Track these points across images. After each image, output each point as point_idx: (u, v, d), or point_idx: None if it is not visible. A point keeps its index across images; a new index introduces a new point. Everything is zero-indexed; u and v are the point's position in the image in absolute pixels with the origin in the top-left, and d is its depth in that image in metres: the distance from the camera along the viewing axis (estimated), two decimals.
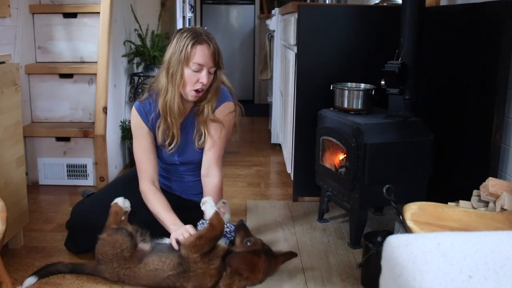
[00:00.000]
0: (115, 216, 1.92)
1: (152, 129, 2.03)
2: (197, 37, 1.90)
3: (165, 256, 1.78)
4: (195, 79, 1.91)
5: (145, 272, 1.76)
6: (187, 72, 1.90)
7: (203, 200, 1.87)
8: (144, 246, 1.84)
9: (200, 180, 2.09)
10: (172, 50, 1.92)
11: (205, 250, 1.73)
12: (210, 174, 2.04)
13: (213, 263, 1.73)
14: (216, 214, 1.79)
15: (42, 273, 1.86)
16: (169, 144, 2.03)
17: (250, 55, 6.18)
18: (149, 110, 2.02)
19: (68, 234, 2.11)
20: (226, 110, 2.04)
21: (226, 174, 3.14)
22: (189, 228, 1.83)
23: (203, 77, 1.90)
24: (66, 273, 1.87)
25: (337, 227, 2.34)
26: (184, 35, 1.91)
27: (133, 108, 2.05)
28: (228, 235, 1.85)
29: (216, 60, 1.92)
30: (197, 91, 1.93)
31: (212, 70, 1.93)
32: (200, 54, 1.89)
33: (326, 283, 1.84)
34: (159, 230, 1.93)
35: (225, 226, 1.83)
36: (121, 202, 1.96)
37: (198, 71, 1.90)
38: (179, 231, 1.83)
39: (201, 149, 2.06)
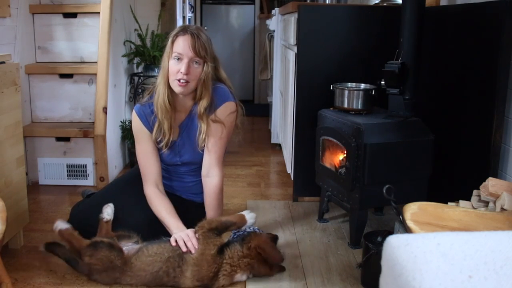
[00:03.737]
0: (76, 239, 1.88)
1: (152, 131, 2.03)
2: (182, 29, 1.95)
3: (163, 243, 1.83)
4: (177, 69, 1.92)
5: (142, 262, 1.77)
6: (170, 63, 1.93)
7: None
8: (136, 246, 1.84)
9: (200, 180, 2.09)
10: (165, 48, 1.98)
11: (213, 226, 1.85)
12: (210, 174, 2.03)
13: (210, 248, 1.78)
14: (242, 216, 1.93)
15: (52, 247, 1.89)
16: (161, 142, 2.03)
17: (250, 55, 6.18)
18: (150, 113, 2.03)
19: None
20: (227, 110, 2.03)
21: (226, 174, 3.13)
22: (189, 232, 1.85)
23: (183, 66, 1.91)
24: (62, 259, 1.87)
25: (337, 227, 2.34)
26: (174, 30, 1.98)
27: (133, 112, 2.06)
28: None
29: (198, 50, 1.92)
30: (180, 81, 1.93)
31: (197, 60, 1.93)
32: (180, 43, 1.92)
33: (326, 283, 1.84)
34: (152, 232, 1.93)
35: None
36: (62, 225, 1.93)
37: (179, 60, 1.92)
38: (180, 234, 1.85)
39: (203, 150, 2.06)
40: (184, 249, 1.79)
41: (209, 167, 2.04)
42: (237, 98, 2.11)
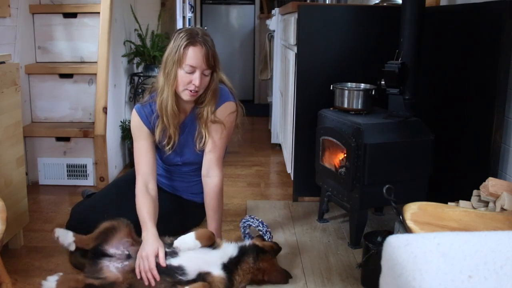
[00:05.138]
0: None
1: (153, 130, 2.03)
2: (192, 38, 1.89)
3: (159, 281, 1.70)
4: (188, 80, 1.90)
5: None
6: (181, 73, 1.90)
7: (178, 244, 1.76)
8: (129, 265, 1.77)
9: (201, 180, 2.09)
10: (169, 50, 1.93)
11: None
12: (210, 174, 2.03)
13: None
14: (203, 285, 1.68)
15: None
16: (167, 144, 2.03)
17: (250, 55, 6.18)
18: (150, 112, 2.02)
19: None
20: (227, 111, 2.03)
21: (226, 174, 3.13)
22: (150, 257, 1.73)
23: (196, 79, 1.89)
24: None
25: (337, 227, 2.34)
26: (181, 35, 1.92)
27: (134, 110, 2.05)
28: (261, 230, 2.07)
29: (210, 62, 1.91)
30: (190, 91, 1.93)
31: (207, 72, 1.92)
32: (193, 55, 1.88)
33: (326, 283, 1.84)
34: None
35: (259, 225, 2.07)
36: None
37: (191, 72, 1.90)
38: (140, 257, 1.75)
39: (202, 150, 2.06)
40: (141, 278, 1.70)
41: (209, 167, 2.04)
42: (237, 98, 2.11)
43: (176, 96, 1.97)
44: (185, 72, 1.90)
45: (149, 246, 1.77)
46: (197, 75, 1.89)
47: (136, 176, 2.03)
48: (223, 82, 2.07)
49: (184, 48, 1.88)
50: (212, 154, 2.03)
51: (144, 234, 1.84)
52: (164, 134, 2.01)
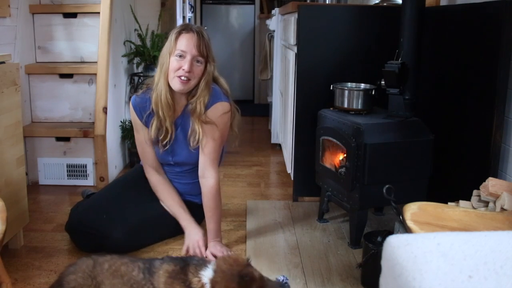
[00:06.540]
0: None
1: (146, 126, 2.05)
2: (186, 28, 1.94)
3: None
4: (178, 65, 1.91)
5: None
6: (172, 59, 1.93)
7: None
8: None
9: (197, 181, 2.09)
10: (165, 44, 1.98)
11: None
12: (206, 175, 2.03)
13: None
14: None
15: None
16: (163, 140, 2.03)
17: (250, 55, 6.18)
18: (144, 107, 2.04)
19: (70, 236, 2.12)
20: (218, 111, 2.01)
21: (226, 174, 3.14)
22: (200, 240, 2.00)
23: (186, 63, 1.90)
24: None
25: (337, 227, 2.34)
26: (175, 28, 1.98)
27: (130, 102, 2.10)
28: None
29: (201, 49, 1.91)
30: (181, 78, 1.92)
31: (199, 59, 1.92)
32: (184, 41, 1.91)
33: (326, 283, 1.84)
34: (150, 233, 2.00)
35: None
36: None
37: (181, 57, 1.91)
38: (192, 243, 2.00)
39: (196, 150, 2.05)
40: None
41: (204, 168, 2.03)
42: (232, 99, 2.09)
43: (171, 89, 1.97)
44: (176, 57, 1.91)
45: (194, 235, 2.02)
46: (187, 59, 1.90)
47: (143, 164, 2.09)
48: (217, 83, 2.06)
49: (176, 35, 1.94)
50: (206, 155, 2.02)
51: (184, 223, 2.05)
52: (160, 130, 2.02)
